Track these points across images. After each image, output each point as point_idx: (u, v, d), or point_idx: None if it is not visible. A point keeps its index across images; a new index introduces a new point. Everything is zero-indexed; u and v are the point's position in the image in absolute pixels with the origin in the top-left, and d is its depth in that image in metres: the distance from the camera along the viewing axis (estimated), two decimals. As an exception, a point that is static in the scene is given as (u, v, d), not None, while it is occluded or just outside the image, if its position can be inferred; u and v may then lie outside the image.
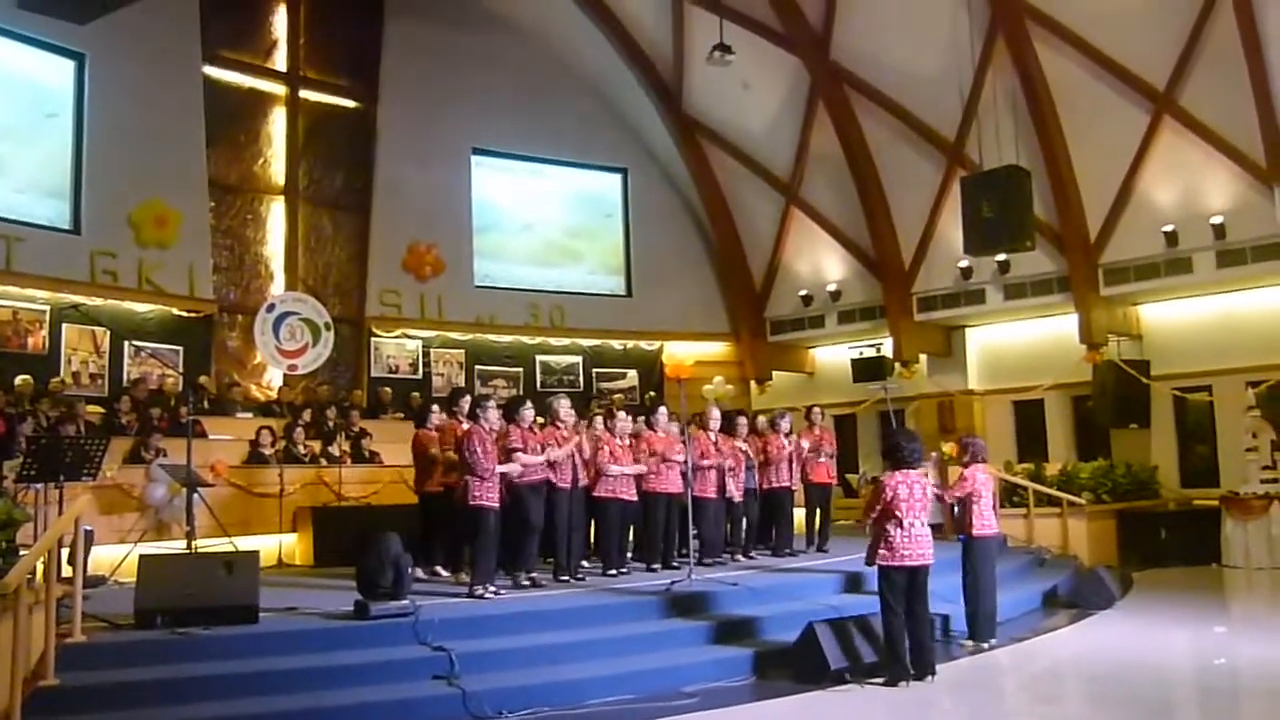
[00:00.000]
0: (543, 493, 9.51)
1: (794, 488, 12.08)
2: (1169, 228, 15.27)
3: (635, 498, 10.38)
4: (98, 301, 14.72)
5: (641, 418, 11.06)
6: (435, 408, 10.81)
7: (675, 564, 10.42)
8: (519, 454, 9.19)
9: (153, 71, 15.72)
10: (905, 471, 7.54)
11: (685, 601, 8.69)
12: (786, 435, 12.13)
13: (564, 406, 9.95)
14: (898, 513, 7.43)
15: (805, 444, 12.28)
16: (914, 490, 7.50)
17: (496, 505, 8.75)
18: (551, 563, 9.89)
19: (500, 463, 8.97)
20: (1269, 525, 13.81)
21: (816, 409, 12.89)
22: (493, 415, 9.06)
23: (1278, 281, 15.11)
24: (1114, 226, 15.94)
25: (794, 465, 11.99)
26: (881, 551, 7.45)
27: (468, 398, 9.74)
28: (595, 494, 10.20)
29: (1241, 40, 13.03)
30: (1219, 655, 8.75)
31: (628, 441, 10.52)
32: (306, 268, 17.67)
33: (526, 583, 9.25)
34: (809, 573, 10.37)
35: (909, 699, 7.19)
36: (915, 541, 7.44)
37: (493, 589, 8.75)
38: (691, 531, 10.12)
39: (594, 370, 20.14)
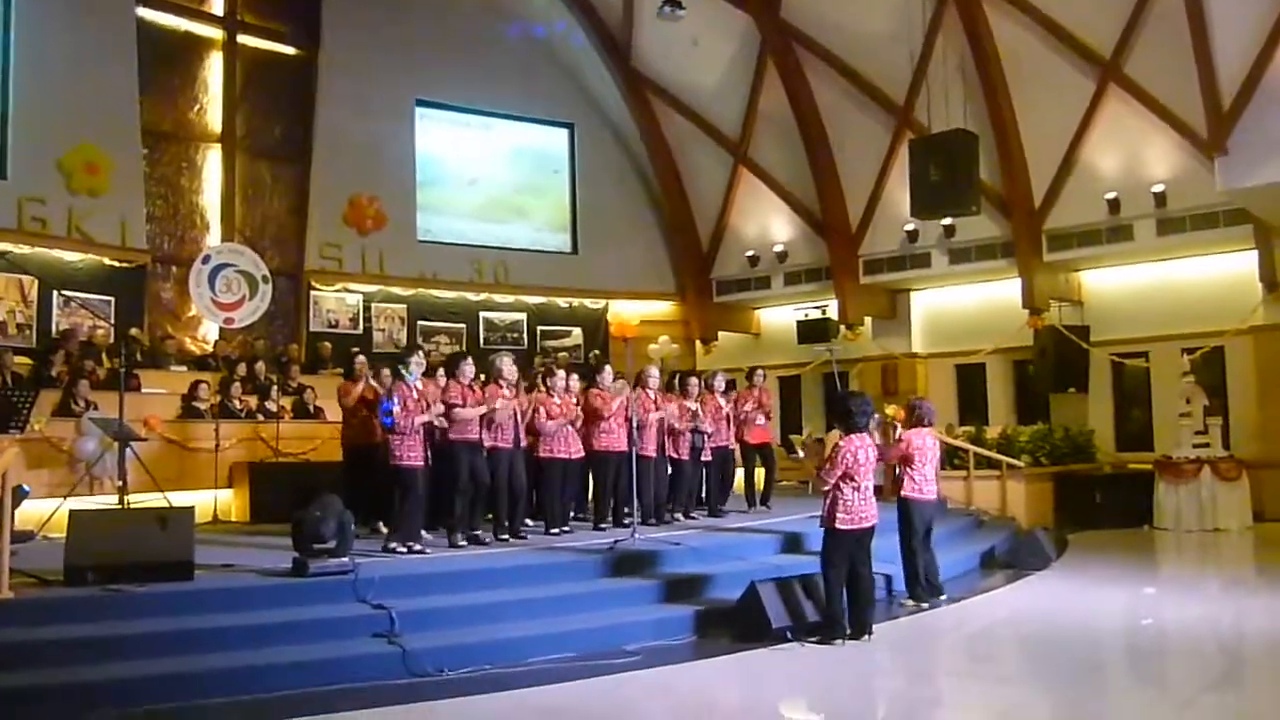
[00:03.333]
0: (479, 451, 9.46)
1: (729, 447, 12.13)
2: (1111, 195, 15.49)
3: (577, 455, 10.40)
4: (26, 249, 14.40)
5: (576, 376, 11.05)
6: (361, 360, 10.73)
7: (625, 523, 10.43)
8: (456, 409, 9.16)
9: (83, 11, 15.31)
10: (861, 435, 7.64)
11: (628, 561, 8.73)
12: (723, 394, 12.17)
13: (507, 364, 9.90)
14: (856, 476, 7.54)
15: (747, 405, 12.34)
16: (868, 454, 7.61)
17: (420, 464, 8.73)
18: (492, 520, 9.89)
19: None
20: (1199, 489, 14.15)
21: (759, 371, 12.96)
22: (417, 370, 8.99)
23: (1215, 250, 15.41)
24: (1058, 193, 16.14)
25: (730, 425, 12.06)
26: (840, 515, 7.52)
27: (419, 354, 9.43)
28: (537, 455, 10.22)
29: (1186, 10, 13.17)
30: (1148, 616, 8.96)
31: (569, 397, 10.53)
32: (244, 219, 17.40)
33: (463, 542, 9.21)
34: (751, 532, 10.45)
35: (845, 657, 7.25)
36: (866, 504, 7.57)
37: (417, 547, 8.75)
38: (634, 492, 10.16)
39: (538, 328, 20.11)
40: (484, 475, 9.43)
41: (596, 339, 20.51)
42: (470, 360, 9.60)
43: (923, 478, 9.00)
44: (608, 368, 11.08)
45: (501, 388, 9.77)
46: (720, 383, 12.19)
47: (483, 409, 9.33)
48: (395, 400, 8.67)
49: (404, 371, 8.91)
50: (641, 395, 11.08)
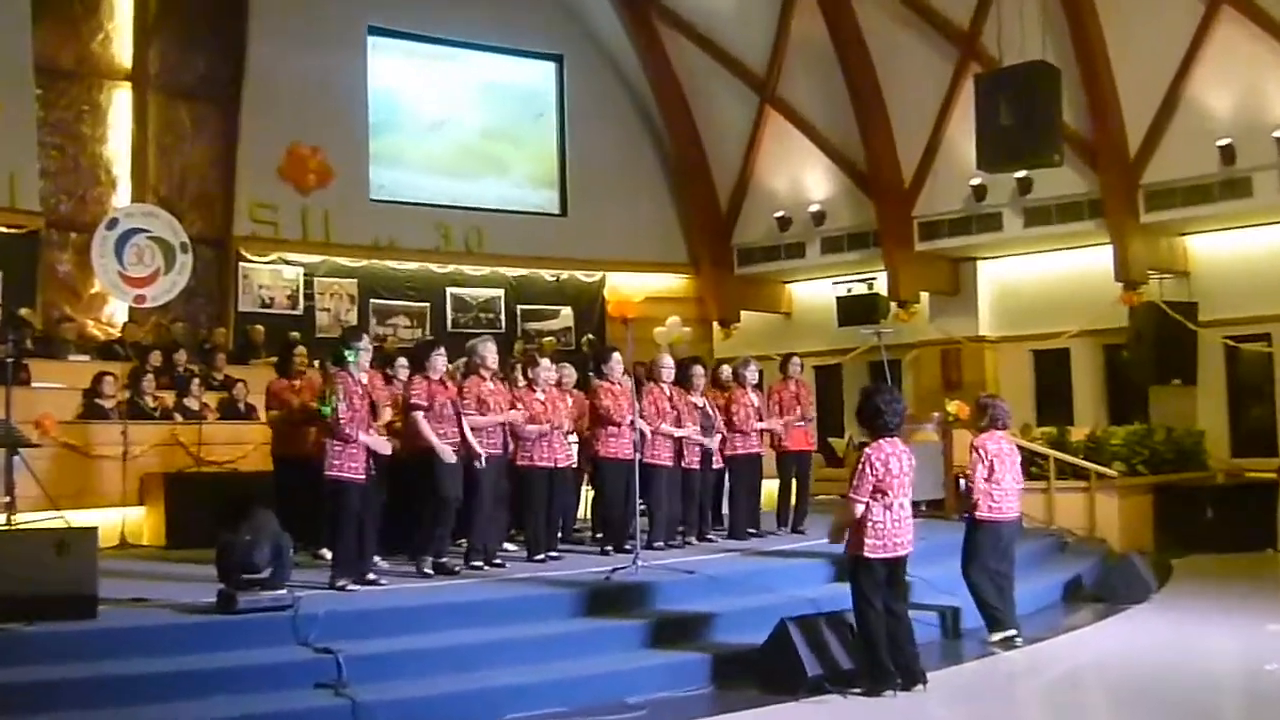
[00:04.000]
0: (458, 463, 9.46)
1: (760, 454, 12.15)
2: (1225, 141, 15.40)
3: (564, 463, 10.43)
4: (-111, 213, 14.46)
5: (570, 369, 11.05)
6: (301, 350, 10.82)
7: (628, 547, 10.27)
8: (418, 416, 9.12)
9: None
10: (891, 440, 7.60)
11: (629, 593, 8.72)
12: (754, 389, 12.17)
13: (489, 350, 9.87)
14: (889, 492, 7.49)
15: (782, 403, 12.34)
16: (902, 463, 7.56)
17: (361, 478, 8.64)
18: (464, 545, 9.86)
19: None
20: (1336, 504, 14.06)
21: (795, 359, 12.86)
22: (364, 359, 8.90)
23: (1355, 209, 15.35)
24: (1159, 139, 16.06)
25: (759, 425, 12.07)
26: (868, 541, 7.48)
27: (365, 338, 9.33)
28: (515, 462, 10.17)
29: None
30: (1271, 661, 8.76)
31: (558, 393, 10.58)
32: (159, 174, 17.42)
33: (429, 570, 9.24)
34: (782, 558, 10.40)
35: (900, 712, 7.21)
36: (901, 526, 7.53)
37: (370, 576, 8.78)
38: (638, 507, 10.15)
39: (518, 307, 20.16)
40: (455, 489, 9.42)
41: (591, 320, 20.55)
42: (443, 350, 9.59)
43: (1002, 493, 8.98)
44: (616, 355, 11.02)
45: (484, 379, 9.77)
46: (752, 373, 12.20)
47: (509, 417, 9.46)
48: (339, 395, 8.56)
49: (348, 356, 8.79)
50: (653, 391, 11.10)
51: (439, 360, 9.43)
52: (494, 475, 9.75)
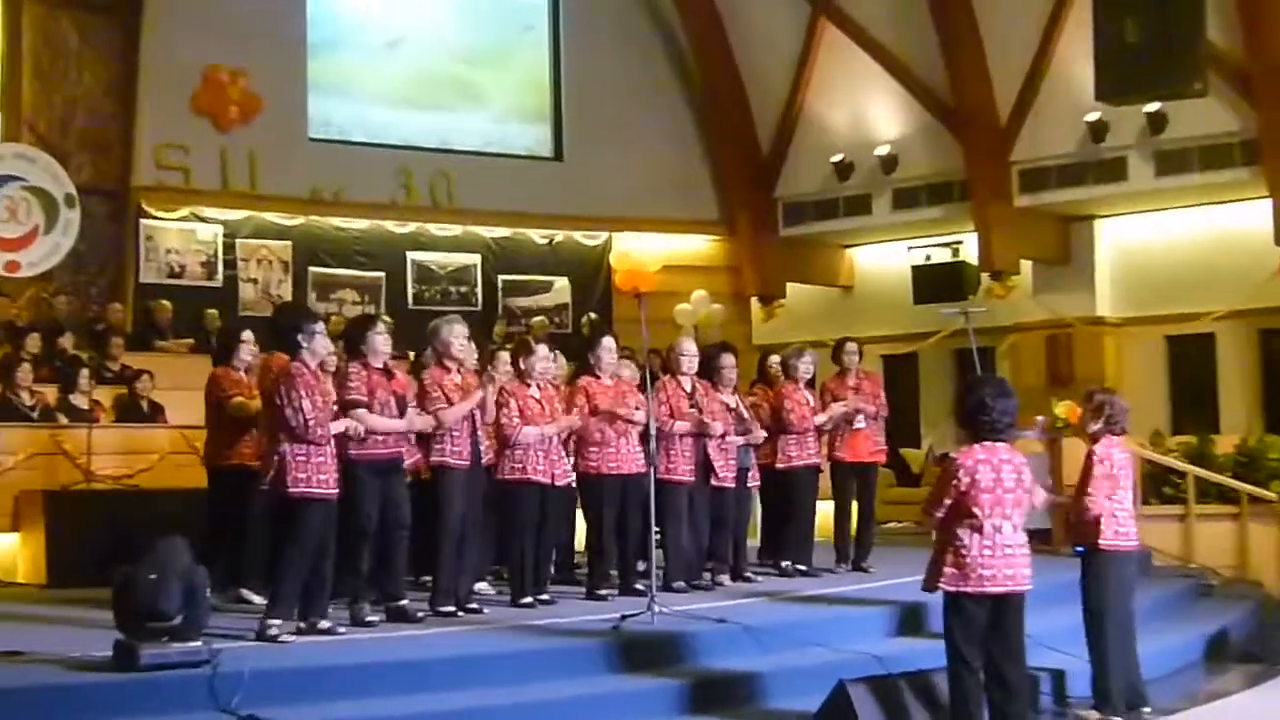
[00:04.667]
0: (396, 474, 9.52)
1: (819, 466, 12.19)
2: None
3: (563, 480, 10.45)
4: None
5: (553, 356, 11.00)
6: (249, 336, 10.78)
7: (639, 586, 10.45)
8: (362, 413, 9.11)
9: None
10: (991, 445, 7.43)
11: (644, 647, 8.70)
12: (807, 385, 12.16)
13: (458, 334, 9.87)
14: (977, 510, 7.34)
15: (836, 400, 12.30)
16: (1004, 474, 7.37)
17: (332, 493, 8.72)
18: (429, 585, 9.88)
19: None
20: None
21: (852, 346, 12.76)
22: (321, 345, 8.96)
23: None
24: (1333, 62, 15.98)
25: (818, 433, 12.10)
26: (948, 570, 7.36)
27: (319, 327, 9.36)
28: (500, 476, 10.19)
29: None
30: None
31: (549, 389, 10.57)
32: (36, 105, 17.41)
33: (374, 618, 9.22)
34: (841, 603, 10.39)
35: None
36: (1004, 556, 7.33)
37: (324, 624, 8.78)
38: (654, 535, 10.17)
39: (500, 278, 20.26)
40: (400, 511, 9.42)
41: (592, 294, 20.63)
42: (382, 328, 9.48)
43: (1125, 514, 8.89)
44: (608, 339, 11.03)
45: (450, 370, 9.77)
46: (807, 366, 12.18)
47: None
48: (298, 391, 8.61)
49: (303, 344, 8.84)
50: (667, 387, 11.07)
51: (378, 341, 9.31)
52: (464, 493, 9.75)
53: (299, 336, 8.83)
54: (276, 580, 8.73)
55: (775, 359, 12.55)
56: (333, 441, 8.78)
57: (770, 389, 12.22)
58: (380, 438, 9.20)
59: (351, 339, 9.45)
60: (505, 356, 10.63)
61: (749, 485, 11.85)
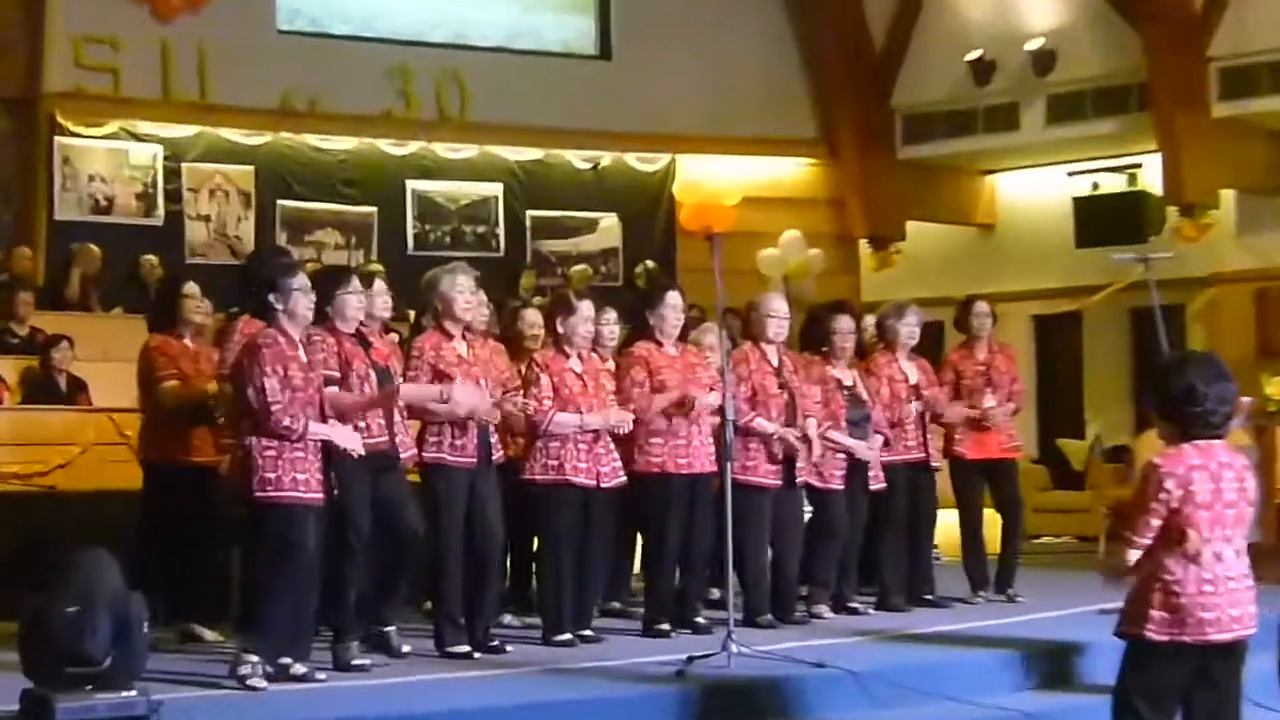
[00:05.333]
0: (393, 473, 8.80)
1: (926, 463, 11.16)
2: None
3: (612, 480, 9.55)
4: None
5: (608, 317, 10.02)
6: (193, 290, 9.86)
7: (701, 619, 9.72)
8: (332, 392, 8.40)
9: None
10: (1206, 445, 6.64)
11: (717, 697, 8.09)
12: (910, 357, 11.09)
13: (461, 287, 9.02)
14: (1193, 532, 6.56)
15: (960, 380, 11.35)
16: (1224, 484, 6.61)
17: (316, 497, 8.04)
18: (430, 613, 9.36)
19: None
20: None
21: (982, 308, 11.54)
22: (302, 306, 8.13)
23: None
24: None
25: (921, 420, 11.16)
26: (1156, 614, 6.46)
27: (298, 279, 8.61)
28: (529, 477, 9.38)
29: None
30: None
31: (594, 361, 9.69)
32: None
33: (364, 661, 8.48)
34: (973, 643, 9.66)
35: None
36: (1227, 591, 6.52)
37: (299, 669, 8.04)
38: (729, 554, 9.23)
39: (528, 214, 19.08)
40: (407, 525, 8.71)
41: (651, 235, 19.47)
42: (356, 285, 8.73)
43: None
44: (673, 295, 9.92)
45: (452, 335, 8.97)
46: (910, 327, 10.98)
47: (443, 389, 8.69)
48: (261, 365, 7.95)
49: (277, 305, 8.11)
50: (750, 358, 10.10)
51: (349, 302, 8.61)
52: (472, 498, 9.02)
53: (272, 296, 8.09)
54: (254, 608, 8.15)
55: (870, 320, 11.71)
56: (319, 425, 8.17)
57: (861, 360, 11.24)
58: (362, 425, 8.50)
59: (320, 294, 8.62)
60: (533, 316, 10.33)
61: (868, 488, 10.77)
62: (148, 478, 9.64)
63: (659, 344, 9.81)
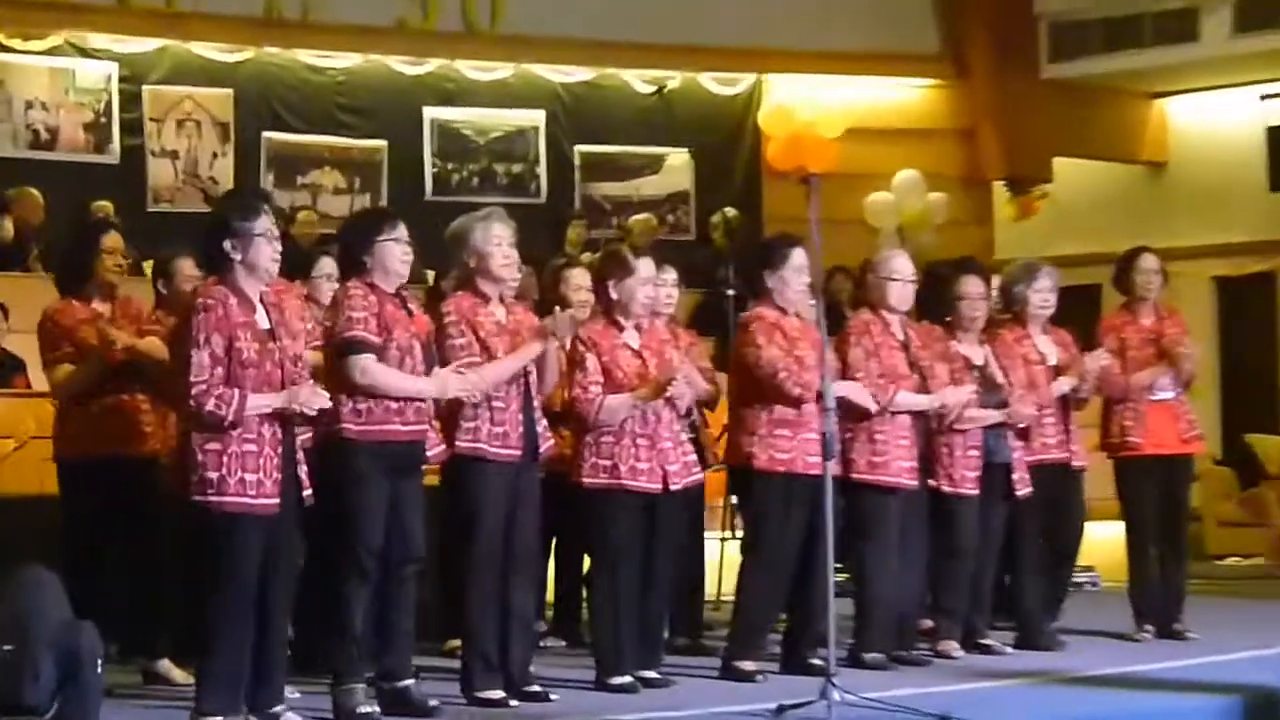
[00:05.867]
0: (414, 477, 7.89)
1: (1069, 464, 10.07)
2: None
3: (683, 479, 8.67)
4: None
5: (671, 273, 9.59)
6: (115, 243, 9.05)
7: (808, 656, 8.91)
8: (366, 361, 7.44)
9: None
10: None
11: None
12: (1046, 327, 10.00)
13: (500, 238, 8.11)
14: None
15: (1126, 350, 9.99)
16: None
17: (270, 504, 7.11)
18: (458, 652, 8.36)
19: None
20: None
21: (1149, 263, 10.12)
22: (264, 255, 7.22)
23: None
24: None
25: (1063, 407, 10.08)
26: None
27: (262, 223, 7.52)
28: (579, 479, 8.47)
29: None
30: None
31: (658, 333, 8.93)
32: None
33: (371, 709, 7.56)
34: (1142, 688, 8.77)
35: None
36: None
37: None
38: (831, 573, 8.19)
39: (576, 149, 17.58)
40: (409, 539, 7.78)
41: (730, 176, 17.89)
42: (402, 231, 7.74)
43: None
44: (798, 253, 8.92)
45: (488, 298, 8.03)
46: (1043, 295, 9.88)
47: (520, 359, 7.96)
48: (198, 332, 7.02)
49: (231, 253, 7.19)
50: (871, 329, 9.11)
51: (392, 253, 7.65)
52: (514, 504, 8.11)
53: (228, 242, 7.09)
54: (204, 647, 7.36)
55: (996, 281, 10.42)
56: (271, 425, 7.15)
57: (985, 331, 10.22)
58: (395, 406, 7.52)
59: (350, 247, 7.86)
60: (579, 278, 9.49)
61: (1013, 493, 9.70)
62: (63, 479, 8.65)
63: (782, 311, 8.78)
